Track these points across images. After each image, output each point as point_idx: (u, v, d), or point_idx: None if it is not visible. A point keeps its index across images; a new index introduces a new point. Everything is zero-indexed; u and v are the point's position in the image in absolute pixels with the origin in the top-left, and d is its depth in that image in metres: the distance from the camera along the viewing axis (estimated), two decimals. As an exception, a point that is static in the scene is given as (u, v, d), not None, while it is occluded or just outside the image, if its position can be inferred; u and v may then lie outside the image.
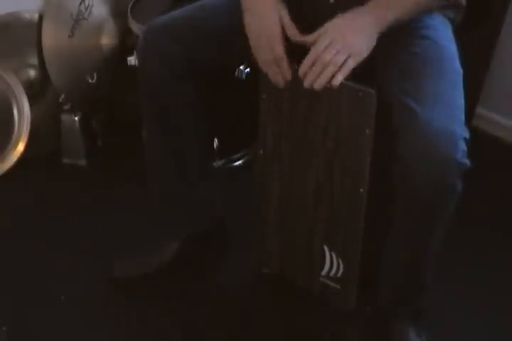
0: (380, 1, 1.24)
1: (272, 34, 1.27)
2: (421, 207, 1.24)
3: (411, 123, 1.18)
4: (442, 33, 1.34)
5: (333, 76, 1.20)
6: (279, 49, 1.27)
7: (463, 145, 1.18)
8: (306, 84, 1.23)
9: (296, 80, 1.30)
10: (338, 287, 1.54)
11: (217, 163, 1.91)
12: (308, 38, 1.25)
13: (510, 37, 1.97)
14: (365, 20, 1.22)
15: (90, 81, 1.98)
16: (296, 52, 1.28)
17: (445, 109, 1.20)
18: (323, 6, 1.32)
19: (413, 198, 1.23)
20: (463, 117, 1.22)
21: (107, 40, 2.01)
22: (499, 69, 2.03)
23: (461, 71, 1.30)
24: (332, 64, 1.20)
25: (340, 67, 1.20)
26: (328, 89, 1.23)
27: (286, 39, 1.29)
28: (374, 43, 1.21)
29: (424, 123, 1.17)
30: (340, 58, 1.20)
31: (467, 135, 1.20)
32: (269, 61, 1.28)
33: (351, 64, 1.20)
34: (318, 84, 1.22)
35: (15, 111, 1.85)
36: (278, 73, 1.29)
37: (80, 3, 1.92)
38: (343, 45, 1.20)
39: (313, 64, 1.22)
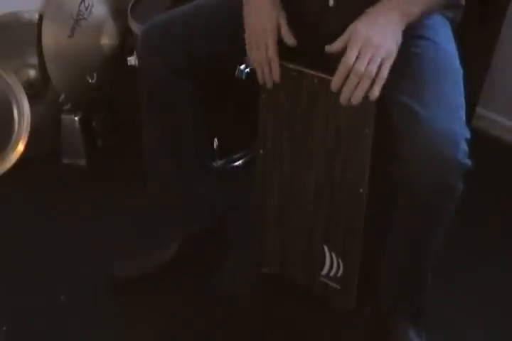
0: None
1: (266, 31, 1.28)
2: (422, 207, 1.24)
3: (412, 123, 1.18)
4: (442, 33, 1.34)
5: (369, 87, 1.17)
6: (272, 48, 1.27)
7: (464, 146, 1.18)
8: (343, 99, 1.20)
9: (296, 80, 1.31)
10: (338, 287, 1.54)
11: (217, 163, 1.91)
12: (333, 47, 1.21)
13: (510, 37, 1.97)
14: (389, 18, 1.19)
15: (90, 81, 1.98)
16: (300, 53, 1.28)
17: (446, 109, 1.20)
18: (322, 9, 1.32)
19: (414, 198, 1.23)
20: (464, 117, 1.22)
21: (107, 40, 2.01)
22: (499, 69, 2.03)
23: (461, 71, 1.30)
24: (367, 75, 1.16)
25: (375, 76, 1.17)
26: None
27: (281, 40, 1.29)
28: (400, 39, 1.19)
29: (425, 123, 1.17)
30: (374, 67, 1.16)
31: (468, 135, 1.19)
32: (260, 59, 1.29)
33: (385, 70, 1.17)
34: (356, 99, 1.18)
35: (15, 111, 1.85)
36: (267, 73, 1.29)
37: (80, 3, 1.92)
38: (374, 51, 1.16)
39: (345, 77, 1.17)
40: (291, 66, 1.32)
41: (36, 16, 1.96)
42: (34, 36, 1.93)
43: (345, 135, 1.33)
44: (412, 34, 1.28)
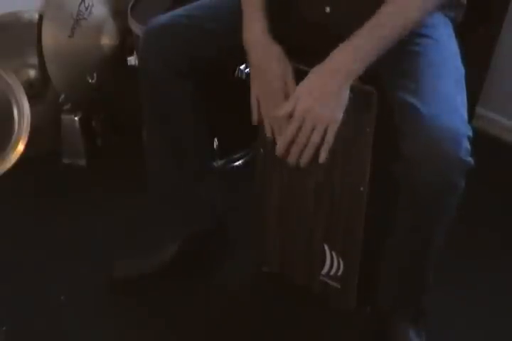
0: (346, 48, 1.19)
1: (278, 99, 1.26)
2: (423, 206, 1.24)
3: (414, 121, 1.18)
4: (443, 31, 1.34)
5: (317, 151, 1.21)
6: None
7: (466, 144, 1.18)
8: (290, 163, 1.24)
9: (296, 80, 1.30)
10: (339, 286, 1.54)
11: (217, 163, 1.91)
12: (281, 112, 1.22)
13: (510, 37, 1.97)
14: (333, 82, 1.19)
15: (90, 81, 1.99)
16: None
17: (448, 107, 1.20)
18: (319, 15, 1.32)
19: (416, 197, 1.23)
20: (466, 115, 1.22)
21: (107, 40, 2.01)
22: (499, 69, 2.03)
23: (462, 69, 1.30)
24: (310, 145, 1.21)
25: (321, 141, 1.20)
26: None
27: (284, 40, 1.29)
28: (346, 99, 1.19)
29: (426, 121, 1.17)
30: (317, 137, 1.20)
31: (470, 133, 1.19)
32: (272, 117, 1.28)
33: (330, 137, 1.20)
34: (303, 164, 1.23)
35: (15, 111, 1.85)
36: (277, 132, 1.27)
37: (80, 3, 1.92)
38: (316, 121, 1.18)
39: (290, 145, 1.22)
40: (292, 66, 1.31)
41: (36, 16, 1.96)
42: (34, 36, 1.93)
43: (346, 134, 1.33)
44: (413, 32, 1.28)
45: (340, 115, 1.20)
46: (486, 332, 1.54)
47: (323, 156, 1.22)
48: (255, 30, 1.31)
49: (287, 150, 1.24)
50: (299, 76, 1.30)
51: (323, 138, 1.20)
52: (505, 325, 1.56)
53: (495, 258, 1.72)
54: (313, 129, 1.20)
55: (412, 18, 1.22)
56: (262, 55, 1.29)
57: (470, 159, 1.18)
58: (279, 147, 1.24)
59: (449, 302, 1.57)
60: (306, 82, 1.22)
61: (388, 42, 1.20)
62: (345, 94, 1.20)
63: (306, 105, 1.19)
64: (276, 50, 1.29)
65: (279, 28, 1.31)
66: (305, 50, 1.29)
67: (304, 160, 1.23)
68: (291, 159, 1.24)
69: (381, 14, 1.19)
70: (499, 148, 2.10)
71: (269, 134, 1.30)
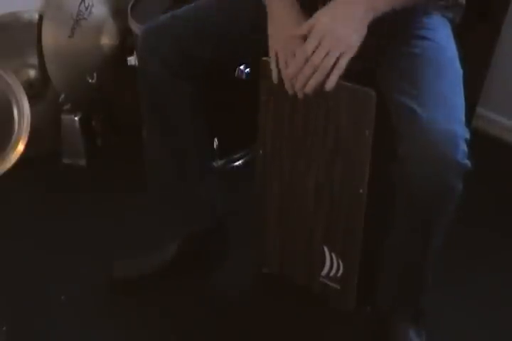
0: None
1: (296, 43, 1.22)
2: (421, 208, 1.24)
3: (411, 123, 1.18)
4: (442, 33, 1.34)
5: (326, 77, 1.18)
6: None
7: (464, 146, 1.18)
8: (296, 88, 1.21)
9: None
10: (338, 287, 1.54)
11: (217, 163, 1.91)
12: (298, 31, 1.21)
13: (510, 37, 1.97)
14: (355, 12, 1.17)
15: (90, 81, 1.98)
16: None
17: (445, 109, 1.20)
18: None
19: (413, 198, 1.23)
20: (463, 117, 1.22)
21: (107, 40, 2.01)
22: (499, 69, 2.03)
23: (461, 71, 1.30)
24: (322, 67, 1.17)
25: (333, 67, 1.17)
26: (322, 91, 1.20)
27: None
28: (365, 32, 1.18)
29: (424, 123, 1.17)
30: (331, 60, 1.17)
31: (468, 135, 1.19)
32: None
33: (343, 63, 1.17)
34: (309, 88, 1.20)
35: (15, 111, 1.85)
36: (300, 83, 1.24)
37: (80, 3, 1.92)
38: (334, 43, 1.16)
39: (302, 65, 1.19)
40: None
41: (36, 16, 1.96)
42: (34, 36, 1.94)
43: (345, 135, 1.33)
44: (412, 34, 1.28)
45: (357, 44, 1.17)
46: (486, 331, 1.54)
47: (331, 82, 1.18)
48: None
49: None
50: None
51: (334, 65, 1.17)
52: (505, 325, 1.56)
53: (495, 258, 1.72)
54: (327, 53, 1.16)
55: None
56: (281, 3, 1.28)
57: (467, 161, 1.18)
58: (291, 67, 1.20)
59: (449, 302, 1.58)
60: (328, 7, 1.19)
61: None
62: (364, 28, 1.17)
63: (327, 26, 1.17)
64: (294, 3, 1.28)
65: None
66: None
67: (312, 83, 1.19)
68: (299, 83, 1.20)
69: None
70: (499, 148, 2.10)
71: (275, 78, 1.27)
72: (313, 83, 1.19)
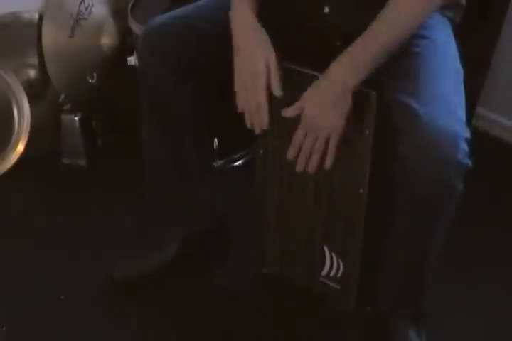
0: (342, 61, 1.20)
1: (256, 75, 1.26)
2: (422, 208, 1.24)
3: (412, 123, 1.18)
4: (442, 32, 1.34)
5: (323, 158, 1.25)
6: (262, 94, 1.26)
7: (464, 146, 1.18)
8: (298, 169, 1.28)
9: (296, 80, 1.30)
10: (338, 287, 1.54)
11: (217, 163, 1.91)
12: (288, 113, 1.26)
13: (510, 37, 1.97)
14: (333, 94, 1.21)
15: (90, 81, 1.99)
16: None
17: (446, 109, 1.20)
18: (318, 15, 1.31)
19: (414, 198, 1.23)
20: (464, 117, 1.22)
21: (107, 40, 2.01)
22: (499, 69, 2.03)
23: (461, 70, 1.30)
24: (315, 151, 1.25)
25: (326, 148, 1.24)
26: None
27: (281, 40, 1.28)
28: (347, 108, 1.21)
29: (425, 123, 1.17)
30: (320, 145, 1.24)
31: (468, 135, 1.19)
32: (249, 104, 1.29)
33: (334, 143, 1.24)
34: (311, 170, 1.27)
35: (15, 111, 1.85)
36: (256, 119, 1.29)
37: (80, 3, 1.92)
38: (318, 131, 1.23)
39: (298, 150, 1.26)
40: (292, 66, 1.31)
41: (36, 16, 1.96)
42: (34, 36, 1.93)
43: (345, 135, 1.33)
44: (412, 34, 1.28)
45: (340, 124, 1.22)
46: (486, 331, 1.54)
47: (327, 163, 1.26)
48: (243, 12, 1.30)
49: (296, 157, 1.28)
50: (295, 77, 1.31)
51: (327, 146, 1.24)
52: (505, 325, 1.56)
53: (495, 258, 1.72)
54: (316, 138, 1.24)
55: (412, 24, 1.22)
56: (248, 37, 1.29)
57: (468, 161, 1.18)
58: (290, 153, 1.28)
59: (449, 303, 1.57)
60: (309, 92, 1.24)
61: (386, 52, 1.20)
62: (345, 104, 1.21)
63: (310, 115, 1.23)
64: (262, 34, 1.28)
65: (276, 28, 1.30)
66: (302, 50, 1.29)
67: (311, 166, 1.27)
68: (299, 165, 1.28)
69: (379, 22, 1.19)
70: (499, 148, 2.10)
71: (249, 125, 1.32)
72: (312, 166, 1.27)
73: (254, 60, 1.27)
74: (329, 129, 1.23)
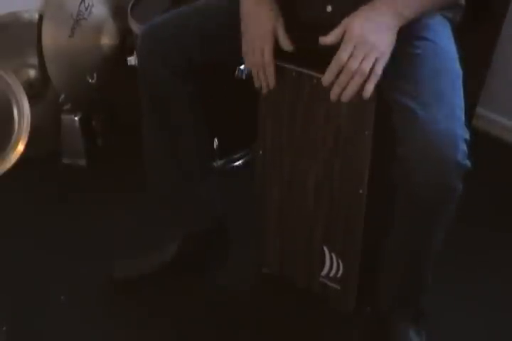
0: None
1: (263, 36, 1.28)
2: (421, 208, 1.24)
3: (411, 124, 1.18)
4: (441, 33, 1.34)
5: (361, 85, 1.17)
6: (268, 53, 1.28)
7: (463, 146, 1.18)
8: (333, 96, 1.19)
9: (296, 80, 1.30)
10: (338, 287, 1.54)
11: (217, 163, 1.91)
12: (327, 40, 1.19)
13: (510, 37, 1.97)
14: (385, 18, 1.17)
15: (90, 81, 1.99)
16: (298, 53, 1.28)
17: (445, 110, 1.20)
18: (320, 14, 1.32)
19: (413, 199, 1.23)
20: (463, 118, 1.22)
21: (107, 40, 2.01)
22: (499, 69, 2.03)
23: (460, 71, 1.30)
24: (359, 73, 1.15)
25: (369, 74, 1.16)
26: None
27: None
28: (395, 40, 1.18)
29: (424, 124, 1.17)
30: (368, 65, 1.15)
31: (468, 136, 1.19)
32: (256, 64, 1.30)
33: (379, 69, 1.16)
34: (346, 97, 1.18)
35: (15, 111, 1.85)
36: (263, 77, 1.30)
37: (80, 3, 1.92)
38: (369, 49, 1.15)
39: (338, 73, 1.17)
40: (291, 66, 1.32)
41: (36, 16, 1.96)
42: (34, 36, 1.93)
43: (345, 135, 1.33)
44: (412, 34, 1.28)
45: (390, 50, 1.17)
46: (486, 331, 1.54)
47: (369, 89, 1.17)
48: None
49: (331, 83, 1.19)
50: (299, 76, 1.31)
51: (371, 71, 1.16)
52: (505, 325, 1.56)
53: (495, 258, 1.72)
54: (364, 58, 1.15)
55: None
56: (256, 3, 1.31)
57: (467, 162, 1.18)
58: (327, 75, 1.19)
59: (449, 302, 1.57)
60: (357, 14, 1.18)
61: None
62: (394, 34, 1.18)
63: (360, 32, 1.15)
64: (270, 2, 1.30)
65: None
66: (304, 50, 1.29)
67: (349, 91, 1.17)
68: (336, 90, 1.18)
69: None
70: (500, 148, 2.10)
71: (257, 85, 1.32)
72: (350, 91, 1.17)
73: (260, 23, 1.29)
74: (380, 52, 1.15)
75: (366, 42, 1.15)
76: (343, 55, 1.16)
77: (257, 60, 1.30)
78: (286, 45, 1.28)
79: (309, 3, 1.33)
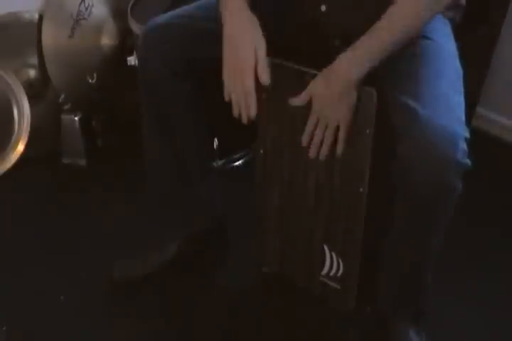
0: (347, 55, 1.21)
1: (245, 68, 1.25)
2: (421, 207, 1.24)
3: (411, 123, 1.18)
4: (441, 32, 1.34)
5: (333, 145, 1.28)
6: (250, 84, 1.25)
7: (463, 145, 1.18)
8: (311, 154, 1.30)
9: (296, 80, 1.30)
10: (338, 287, 1.54)
11: (217, 163, 1.91)
12: (296, 101, 1.27)
13: (510, 37, 1.97)
14: (340, 84, 1.22)
15: (90, 81, 1.99)
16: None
17: (445, 109, 1.20)
18: (315, 14, 1.32)
19: (413, 198, 1.23)
20: (463, 117, 1.22)
21: (107, 40, 2.01)
22: (499, 69, 2.03)
23: (461, 70, 1.30)
24: (326, 139, 1.27)
25: (336, 135, 1.26)
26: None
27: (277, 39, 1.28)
28: (353, 100, 1.23)
29: (424, 123, 1.17)
30: (330, 133, 1.26)
31: (467, 135, 1.19)
32: (237, 91, 1.28)
33: (344, 131, 1.26)
34: (322, 156, 1.29)
35: (15, 111, 1.85)
36: (243, 107, 1.28)
37: (80, 3, 1.92)
38: (327, 121, 1.25)
39: (312, 137, 1.28)
40: (291, 66, 1.31)
41: (36, 16, 1.96)
42: (34, 36, 1.93)
43: (345, 135, 1.33)
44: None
45: (348, 116, 1.24)
46: (486, 331, 1.54)
47: (339, 150, 1.28)
48: (235, 1, 1.29)
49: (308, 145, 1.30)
50: (299, 76, 1.31)
51: (337, 135, 1.27)
52: (505, 325, 1.56)
53: (495, 258, 1.72)
54: (326, 128, 1.26)
55: (417, 21, 1.22)
56: (239, 25, 1.28)
57: (467, 161, 1.18)
58: (304, 138, 1.30)
59: (449, 302, 1.57)
60: (315, 83, 1.24)
61: (390, 49, 1.21)
62: (350, 99, 1.23)
63: (319, 107, 1.25)
64: (253, 24, 1.27)
65: (273, 27, 1.30)
66: (298, 48, 1.29)
67: (323, 153, 1.29)
68: (312, 153, 1.30)
69: (385, 18, 1.20)
70: (499, 148, 2.10)
71: (236, 114, 1.31)
72: (323, 154, 1.29)
73: (243, 47, 1.26)
74: (337, 120, 1.25)
75: (325, 117, 1.25)
76: (309, 125, 1.28)
77: (237, 87, 1.27)
78: (265, 78, 1.25)
79: (304, 3, 1.33)
